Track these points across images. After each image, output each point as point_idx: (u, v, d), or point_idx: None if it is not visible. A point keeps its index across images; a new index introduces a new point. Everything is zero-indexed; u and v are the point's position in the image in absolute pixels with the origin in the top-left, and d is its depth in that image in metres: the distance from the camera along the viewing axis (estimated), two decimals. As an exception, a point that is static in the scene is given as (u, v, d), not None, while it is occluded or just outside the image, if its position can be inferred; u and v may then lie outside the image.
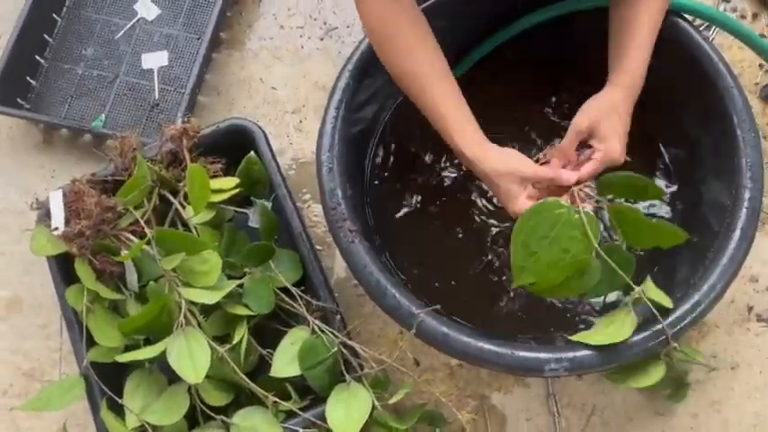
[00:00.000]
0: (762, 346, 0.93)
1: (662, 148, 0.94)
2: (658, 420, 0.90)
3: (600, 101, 0.76)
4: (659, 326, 0.71)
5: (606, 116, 0.74)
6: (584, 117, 0.75)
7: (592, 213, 0.69)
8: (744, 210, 0.76)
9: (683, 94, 0.87)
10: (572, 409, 0.91)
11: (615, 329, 0.71)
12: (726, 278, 0.74)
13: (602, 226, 0.77)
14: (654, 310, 0.71)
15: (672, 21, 0.83)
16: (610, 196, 0.78)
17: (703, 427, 0.90)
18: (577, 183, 0.73)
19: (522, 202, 0.72)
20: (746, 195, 0.76)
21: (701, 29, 0.86)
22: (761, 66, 1.06)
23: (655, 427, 0.90)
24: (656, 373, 0.74)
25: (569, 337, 0.72)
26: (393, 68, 0.77)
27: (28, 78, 1.08)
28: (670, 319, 0.73)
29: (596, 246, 0.68)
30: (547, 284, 0.69)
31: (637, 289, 0.72)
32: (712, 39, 1.07)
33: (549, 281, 0.69)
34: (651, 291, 0.72)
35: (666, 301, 0.72)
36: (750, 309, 0.94)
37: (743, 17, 1.08)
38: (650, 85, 0.91)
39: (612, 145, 0.74)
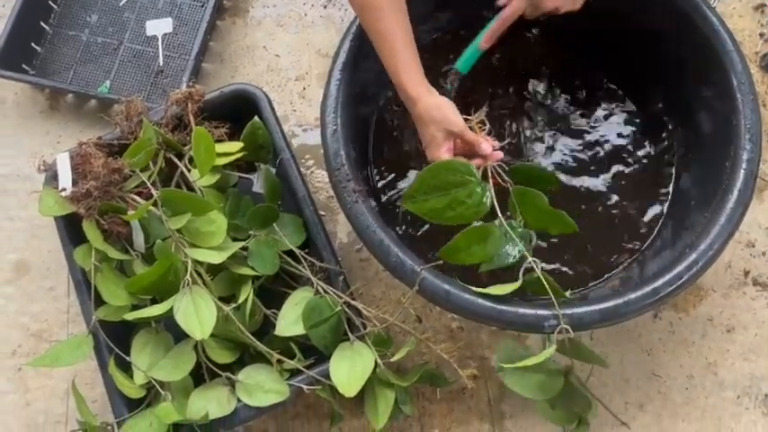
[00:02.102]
0: (757, 310, 0.94)
1: (664, 112, 0.95)
2: (655, 381, 0.92)
3: None
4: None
5: None
6: None
7: (490, 192, 0.76)
8: (742, 171, 0.77)
9: (684, 60, 0.88)
10: (570, 370, 0.93)
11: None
12: (722, 238, 0.76)
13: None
14: (550, 293, 0.72)
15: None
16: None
17: (699, 388, 0.92)
18: None
19: (442, 152, 0.78)
20: (744, 157, 0.78)
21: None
22: (761, 35, 1.07)
23: (651, 388, 0.92)
24: (556, 386, 0.75)
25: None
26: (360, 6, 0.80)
27: (33, 44, 1.08)
28: (668, 276, 0.74)
29: (501, 219, 0.75)
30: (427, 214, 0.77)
31: (530, 259, 0.74)
32: (714, 6, 1.07)
33: (429, 216, 0.76)
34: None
35: (559, 293, 0.73)
36: (747, 273, 0.96)
37: (745, -14, 1.08)
38: (653, 52, 0.93)
39: None
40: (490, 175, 0.78)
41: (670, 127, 0.94)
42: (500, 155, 0.80)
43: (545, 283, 0.72)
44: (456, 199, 0.75)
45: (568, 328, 0.71)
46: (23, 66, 1.07)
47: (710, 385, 0.92)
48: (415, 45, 0.80)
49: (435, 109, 0.78)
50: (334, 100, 0.82)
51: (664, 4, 0.85)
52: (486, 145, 0.79)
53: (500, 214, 0.76)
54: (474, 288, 0.74)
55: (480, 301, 0.74)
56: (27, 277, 1.01)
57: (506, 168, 0.79)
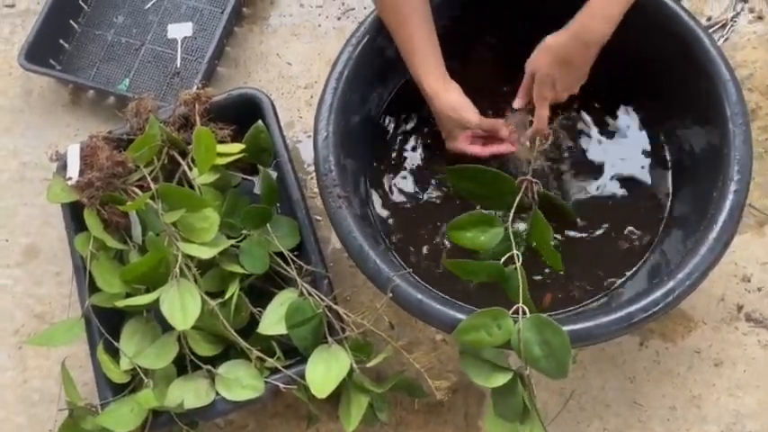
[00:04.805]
0: (748, 346, 0.92)
1: (661, 137, 0.94)
2: (636, 409, 0.91)
3: (541, 46, 0.81)
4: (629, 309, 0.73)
5: (541, 60, 0.80)
6: (529, 62, 0.82)
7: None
8: (728, 202, 0.77)
9: (681, 87, 0.87)
10: (550, 392, 0.92)
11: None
12: (702, 268, 0.75)
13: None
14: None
15: (672, 12, 0.83)
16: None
17: (681, 420, 0.90)
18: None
19: (459, 142, 0.88)
20: (732, 188, 0.77)
21: (713, 29, 0.86)
22: (775, 68, 1.06)
23: (631, 416, 0.91)
24: (500, 379, 0.74)
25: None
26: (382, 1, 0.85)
27: (61, 41, 1.14)
28: (643, 302, 0.74)
29: (509, 225, 0.82)
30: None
31: (514, 252, 0.78)
32: (726, 39, 1.06)
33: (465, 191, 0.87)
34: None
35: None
36: (740, 308, 0.94)
37: (760, 18, 1.07)
38: (650, 78, 0.93)
39: (540, 90, 0.81)
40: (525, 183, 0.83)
41: (666, 152, 0.93)
42: (507, 132, 0.87)
43: (519, 277, 0.75)
44: (486, 183, 0.84)
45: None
46: (51, 61, 1.12)
47: (693, 418, 0.90)
48: (435, 39, 0.85)
49: (450, 109, 0.86)
50: (328, 107, 0.84)
51: (663, 32, 0.85)
52: (505, 130, 0.87)
53: (511, 216, 0.82)
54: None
55: (452, 312, 0.75)
56: (36, 261, 1.06)
57: (539, 185, 0.84)
